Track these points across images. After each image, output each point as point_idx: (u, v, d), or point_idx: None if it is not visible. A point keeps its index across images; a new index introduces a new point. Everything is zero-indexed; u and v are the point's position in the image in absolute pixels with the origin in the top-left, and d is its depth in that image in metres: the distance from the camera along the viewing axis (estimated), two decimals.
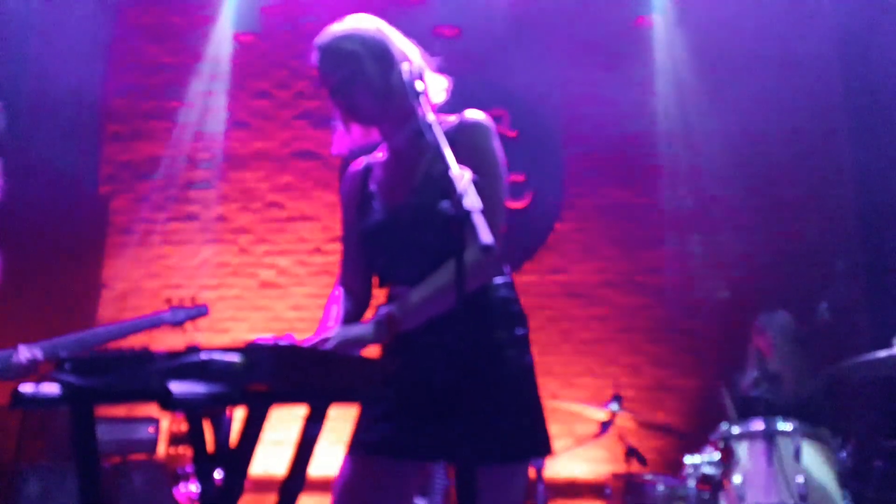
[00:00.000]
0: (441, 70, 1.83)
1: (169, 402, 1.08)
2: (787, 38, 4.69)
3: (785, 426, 3.12)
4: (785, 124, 4.65)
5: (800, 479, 3.00)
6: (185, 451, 2.69)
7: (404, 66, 1.64)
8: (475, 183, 1.51)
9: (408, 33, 1.82)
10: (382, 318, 1.58)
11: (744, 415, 3.50)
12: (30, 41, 4.62)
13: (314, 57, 1.73)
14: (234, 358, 1.16)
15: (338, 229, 1.92)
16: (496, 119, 4.66)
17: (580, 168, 4.79)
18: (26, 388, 1.32)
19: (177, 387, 1.09)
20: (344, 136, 1.82)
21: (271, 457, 4.34)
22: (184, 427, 2.78)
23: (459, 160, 1.45)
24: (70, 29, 4.71)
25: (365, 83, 1.68)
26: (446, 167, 1.40)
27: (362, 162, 1.90)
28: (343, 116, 1.79)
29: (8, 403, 1.34)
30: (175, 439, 2.72)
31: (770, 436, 3.10)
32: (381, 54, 1.70)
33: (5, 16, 4.44)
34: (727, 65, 4.77)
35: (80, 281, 4.59)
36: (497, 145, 1.74)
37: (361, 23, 1.73)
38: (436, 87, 1.78)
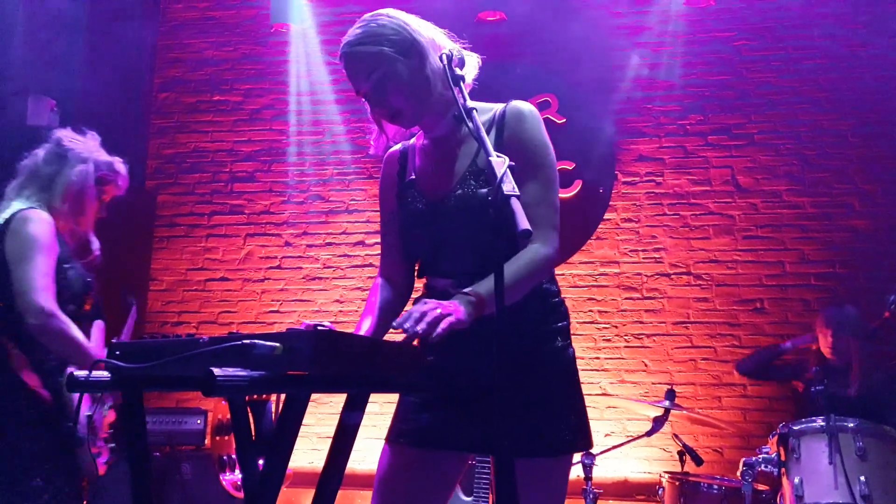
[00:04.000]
0: (485, 56, 1.78)
1: (212, 387, 1.08)
2: (854, 36, 4.56)
3: (847, 423, 3.01)
4: (851, 114, 4.51)
5: (862, 478, 2.89)
6: (230, 439, 2.73)
7: (443, 53, 1.57)
8: (526, 176, 1.52)
9: (451, 20, 1.76)
10: (471, 299, 1.47)
11: (804, 411, 3.39)
12: (79, 39, 4.71)
13: (341, 66, 1.68)
14: (275, 344, 1.16)
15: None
16: (543, 105, 4.65)
17: (632, 155, 4.67)
18: (80, 372, 1.38)
19: (219, 372, 1.09)
20: (380, 137, 1.79)
21: (317, 451, 4.39)
22: (227, 416, 2.83)
23: (506, 151, 1.41)
24: (117, 26, 4.79)
25: (398, 83, 1.63)
26: (487, 154, 1.36)
27: (399, 149, 1.85)
28: (382, 120, 1.75)
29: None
30: (220, 428, 2.76)
31: (831, 433, 3.00)
32: (408, 49, 1.64)
33: (55, 15, 4.53)
34: (792, 50, 4.65)
35: (129, 274, 4.65)
36: (546, 135, 1.69)
37: (380, 19, 1.67)
38: (469, 67, 1.72)
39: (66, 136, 2.42)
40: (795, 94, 4.58)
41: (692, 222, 4.55)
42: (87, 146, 2.42)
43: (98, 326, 2.44)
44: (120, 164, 2.48)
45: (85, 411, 2.29)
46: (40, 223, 2.22)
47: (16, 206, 2.27)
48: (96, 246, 2.45)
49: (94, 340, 2.37)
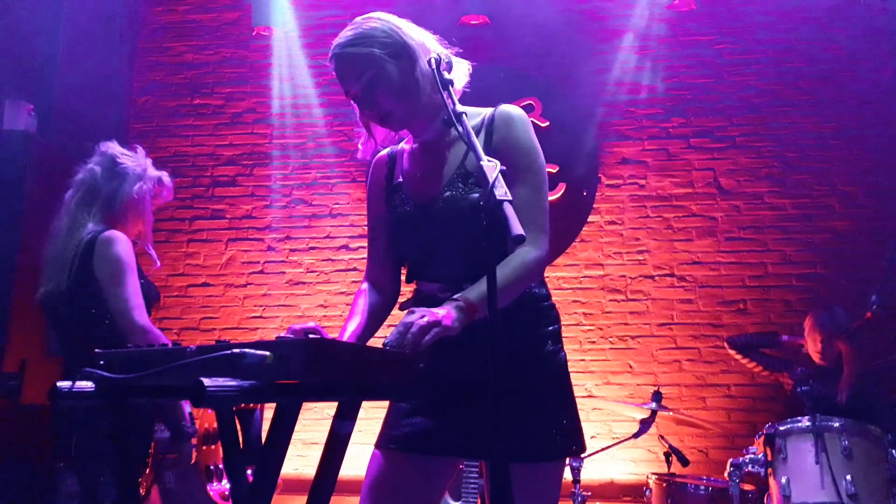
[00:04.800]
0: (468, 60, 1.77)
1: (201, 398, 1.06)
2: (835, 40, 4.62)
3: (833, 423, 3.04)
4: (832, 117, 4.56)
5: (848, 477, 2.92)
6: (217, 448, 2.74)
7: (431, 56, 1.57)
8: (515, 179, 1.51)
9: (434, 23, 1.75)
10: (461, 304, 1.45)
11: (791, 411, 3.41)
12: (57, 42, 4.64)
13: (332, 68, 1.67)
14: (265, 353, 1.13)
15: (365, 226, 1.86)
16: (527, 108, 4.62)
17: (615, 158, 4.69)
18: (63, 383, 1.35)
19: (209, 382, 1.07)
20: (368, 141, 1.78)
21: (302, 458, 4.35)
22: (214, 424, 2.81)
23: (496, 155, 1.40)
24: (96, 28, 4.72)
25: (388, 85, 1.63)
26: (477, 158, 1.35)
27: (387, 153, 1.84)
28: (371, 123, 1.74)
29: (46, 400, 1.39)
30: (206, 437, 2.74)
31: (817, 433, 3.03)
32: (399, 51, 1.64)
33: (34, 17, 4.46)
34: (773, 53, 4.69)
35: None
36: (535, 139, 1.68)
37: (371, 22, 1.66)
38: (460, 73, 1.72)
39: (118, 152, 2.56)
40: (776, 97, 4.62)
41: (675, 224, 4.58)
42: (139, 162, 2.57)
43: None
44: (167, 178, 2.66)
45: (188, 409, 2.45)
46: (123, 244, 2.39)
47: (91, 226, 2.42)
48: (155, 255, 2.66)
49: None
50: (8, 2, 4.30)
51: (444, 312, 1.42)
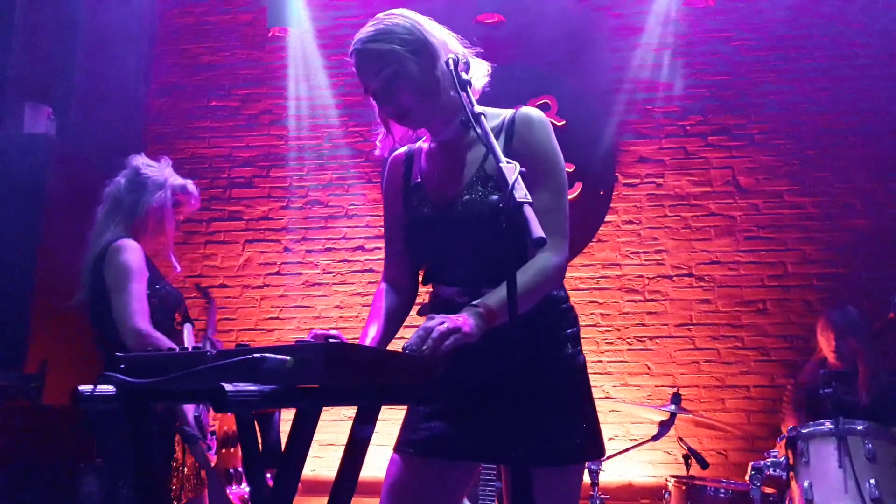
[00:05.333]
0: (484, 59, 1.76)
1: (224, 403, 1.06)
2: (854, 35, 4.56)
3: (856, 426, 3.00)
4: (851, 113, 4.50)
5: (872, 480, 2.88)
6: (236, 451, 2.75)
7: (449, 57, 1.55)
8: (536, 183, 1.50)
9: (450, 22, 1.74)
10: (481, 311, 1.44)
11: (812, 414, 3.37)
12: (77, 45, 4.68)
13: (351, 63, 1.66)
14: (285, 357, 1.13)
15: (381, 226, 1.85)
16: (543, 107, 4.62)
17: (632, 156, 4.66)
18: (85, 387, 1.35)
19: (230, 387, 1.07)
20: (387, 138, 1.77)
21: (319, 459, 4.36)
22: (233, 428, 2.83)
23: (516, 158, 1.39)
24: (113, 31, 4.76)
25: (408, 82, 1.61)
26: (497, 160, 1.34)
27: (404, 151, 1.82)
28: (389, 120, 1.73)
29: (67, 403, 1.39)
30: (225, 441, 2.75)
31: (840, 436, 2.99)
32: (420, 48, 1.62)
33: (54, 21, 4.50)
34: (792, 50, 4.64)
35: None
36: (555, 142, 1.67)
37: (393, 18, 1.65)
38: (478, 74, 1.70)
39: (142, 163, 2.63)
40: (795, 94, 4.57)
41: (693, 223, 4.54)
42: (162, 172, 2.64)
43: (188, 329, 2.67)
44: (192, 186, 2.72)
45: (192, 413, 2.49)
46: (131, 251, 2.47)
47: (109, 235, 2.52)
48: (175, 261, 2.73)
49: (187, 344, 2.60)
50: (26, 6, 4.34)
51: (464, 319, 1.41)
